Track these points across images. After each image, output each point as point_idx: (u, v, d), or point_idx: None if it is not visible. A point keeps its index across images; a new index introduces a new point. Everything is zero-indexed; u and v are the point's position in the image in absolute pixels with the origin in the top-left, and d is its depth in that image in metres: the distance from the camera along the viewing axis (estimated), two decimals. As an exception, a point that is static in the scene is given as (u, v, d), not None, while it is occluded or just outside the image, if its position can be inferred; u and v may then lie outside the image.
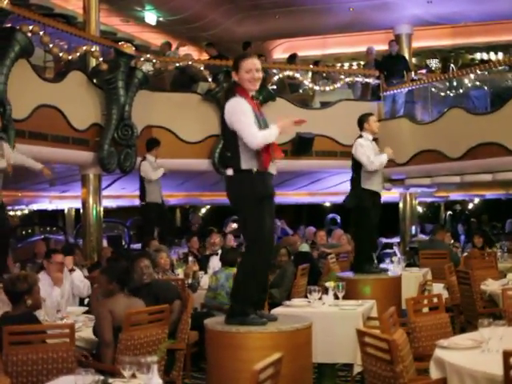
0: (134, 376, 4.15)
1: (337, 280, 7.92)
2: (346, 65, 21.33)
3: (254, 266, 5.67)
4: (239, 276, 5.83)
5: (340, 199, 19.99)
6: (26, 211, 23.92)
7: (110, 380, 4.39)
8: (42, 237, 16.15)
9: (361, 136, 9.26)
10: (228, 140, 5.70)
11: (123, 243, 18.79)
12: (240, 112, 5.54)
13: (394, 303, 7.98)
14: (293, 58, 17.08)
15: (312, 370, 6.06)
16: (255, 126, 5.51)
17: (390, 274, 9.38)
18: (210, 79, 14.57)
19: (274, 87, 15.55)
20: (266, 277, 5.92)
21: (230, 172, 5.65)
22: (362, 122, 9.34)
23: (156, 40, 18.15)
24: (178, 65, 14.91)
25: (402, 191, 17.43)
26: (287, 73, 15.75)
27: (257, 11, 17.78)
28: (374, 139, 9.47)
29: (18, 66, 10.36)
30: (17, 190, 16.40)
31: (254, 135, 5.48)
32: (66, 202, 18.95)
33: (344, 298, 7.44)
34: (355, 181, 9.24)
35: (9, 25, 10.36)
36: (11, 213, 22.73)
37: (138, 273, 7.41)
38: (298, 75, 15.87)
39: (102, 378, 4.31)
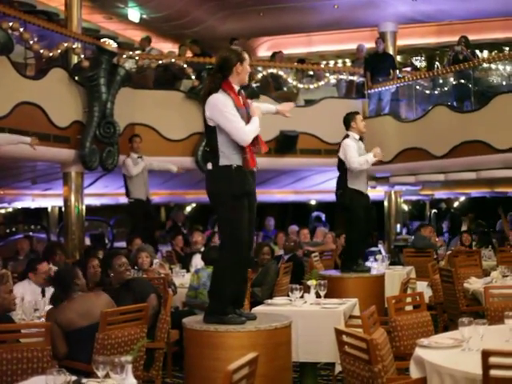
0: (108, 376, 4.08)
1: (319, 278, 7.86)
2: (331, 62, 21.25)
3: (230, 263, 5.62)
4: (216, 274, 5.77)
5: (325, 197, 19.98)
6: (10, 209, 23.75)
7: (84, 380, 4.32)
8: (25, 235, 16.01)
9: (347, 136, 9.23)
10: (208, 135, 5.70)
11: (106, 241, 18.68)
12: (224, 108, 5.55)
13: (377, 302, 7.96)
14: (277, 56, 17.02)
15: (292, 369, 6.00)
16: (241, 122, 5.54)
17: (373, 273, 9.35)
18: (193, 77, 14.51)
19: (258, 85, 15.50)
20: (244, 275, 5.87)
21: (209, 166, 5.65)
22: (348, 120, 9.31)
23: (139, 37, 18.04)
24: (160, 62, 14.85)
25: (386, 189, 17.40)
26: (271, 70, 15.70)
27: (241, 9, 17.69)
28: (360, 138, 9.42)
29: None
30: (-2, 188, 16.31)
31: (241, 131, 5.53)
32: (49, 200, 18.82)
33: (327, 296, 7.38)
34: (341, 180, 9.22)
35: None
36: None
37: (115, 271, 7.32)
38: (282, 73, 15.83)
39: (74, 378, 4.24)
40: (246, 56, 5.79)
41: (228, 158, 5.59)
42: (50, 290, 7.67)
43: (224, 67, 5.73)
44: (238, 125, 5.54)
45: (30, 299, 7.19)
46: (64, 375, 3.96)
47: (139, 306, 6.15)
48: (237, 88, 5.75)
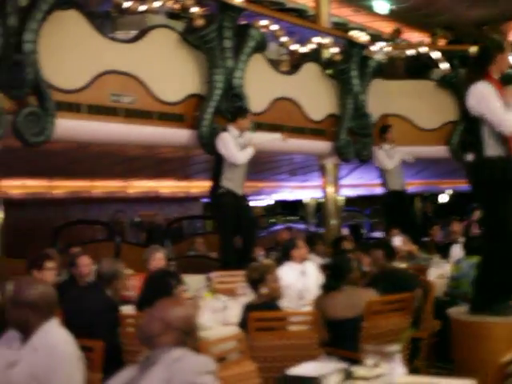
0: (376, 365, 4.12)
1: None
2: None
3: (498, 254, 5.50)
4: (483, 264, 5.68)
5: None
6: (269, 201, 24.54)
7: (353, 368, 4.37)
8: (285, 226, 16.40)
9: None
10: (470, 125, 5.62)
11: (363, 232, 18.83)
12: (489, 98, 5.47)
13: None
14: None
15: None
16: (506, 113, 5.43)
17: None
18: (444, 65, 14.26)
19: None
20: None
21: (470, 157, 5.56)
22: None
23: (387, 28, 18.01)
24: (411, 52, 14.73)
25: None
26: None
27: (489, -7, 17.14)
28: None
29: (253, 60, 10.63)
30: (258, 181, 16.90)
31: (507, 122, 5.40)
32: (306, 191, 19.23)
33: None
34: None
35: (243, 22, 10.63)
36: (255, 203, 23.35)
37: (375, 262, 7.37)
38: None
39: (344, 366, 4.31)
40: (507, 45, 5.66)
41: (493, 148, 5.49)
42: (308, 271, 7.89)
43: (484, 56, 5.64)
44: (502, 116, 5.43)
45: (292, 282, 7.41)
46: (335, 362, 4.06)
47: (402, 296, 6.16)
48: (496, 77, 5.63)
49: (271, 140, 10.33)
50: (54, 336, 4.06)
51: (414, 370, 6.52)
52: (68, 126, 8.27)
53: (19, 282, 4.27)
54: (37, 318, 4.03)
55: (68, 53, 8.40)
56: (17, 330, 4.07)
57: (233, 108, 10.00)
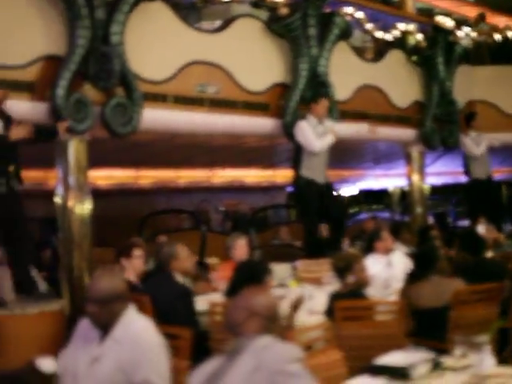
0: (464, 355, 4.07)
1: None
2: None
3: None
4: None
5: None
6: (354, 190, 24.41)
7: (441, 359, 4.33)
8: (371, 215, 16.32)
9: None
10: None
11: (449, 220, 18.60)
12: None
13: None
14: None
15: None
16: None
17: None
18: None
19: None
20: None
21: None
22: None
23: (473, 14, 17.70)
24: (498, 37, 14.47)
25: None
26: None
27: None
28: None
29: (338, 48, 10.59)
30: (343, 170, 16.83)
31: None
32: (391, 179, 19.08)
33: None
34: None
35: (328, 9, 10.60)
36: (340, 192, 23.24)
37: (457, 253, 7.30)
38: None
39: (432, 356, 4.28)
40: None
41: None
42: (394, 262, 7.83)
43: None
44: None
45: (377, 272, 7.37)
46: (423, 352, 4.03)
47: (492, 285, 6.08)
48: None
49: (356, 131, 10.29)
50: (136, 326, 4.08)
51: (502, 360, 6.43)
52: (154, 117, 8.41)
53: (92, 279, 4.29)
54: (113, 311, 4.05)
55: (154, 44, 8.53)
56: (96, 325, 4.09)
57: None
